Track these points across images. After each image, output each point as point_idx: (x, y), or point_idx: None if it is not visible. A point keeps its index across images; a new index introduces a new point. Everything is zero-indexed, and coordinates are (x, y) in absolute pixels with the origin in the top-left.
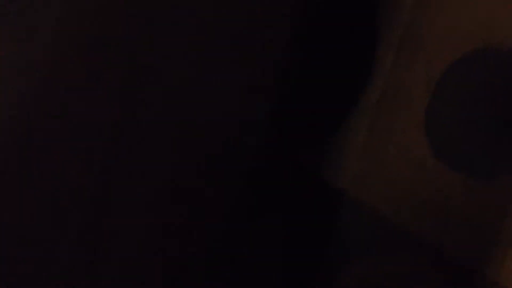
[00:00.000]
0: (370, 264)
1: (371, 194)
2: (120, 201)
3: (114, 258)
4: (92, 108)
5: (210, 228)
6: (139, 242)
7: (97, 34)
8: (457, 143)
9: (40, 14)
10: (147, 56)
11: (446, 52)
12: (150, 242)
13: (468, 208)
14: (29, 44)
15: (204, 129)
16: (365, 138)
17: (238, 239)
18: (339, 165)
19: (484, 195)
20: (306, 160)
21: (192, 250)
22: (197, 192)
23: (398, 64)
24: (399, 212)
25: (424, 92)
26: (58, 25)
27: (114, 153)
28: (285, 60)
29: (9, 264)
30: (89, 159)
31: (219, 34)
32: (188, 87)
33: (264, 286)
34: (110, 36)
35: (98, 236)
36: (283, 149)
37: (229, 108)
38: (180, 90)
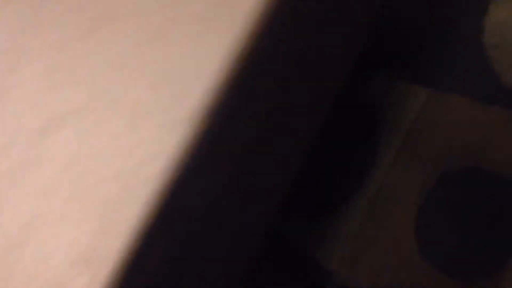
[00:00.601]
0: None
1: (358, 279)
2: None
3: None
4: None
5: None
6: None
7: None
8: (443, 246)
9: None
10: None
11: (441, 165)
12: None
13: None
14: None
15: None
16: (359, 225)
17: None
18: (330, 247)
19: None
20: (298, 237)
21: None
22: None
23: (396, 166)
24: None
25: (417, 194)
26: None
27: None
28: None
29: None
30: None
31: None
32: None
33: None
34: None
35: None
36: (275, 222)
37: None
38: None
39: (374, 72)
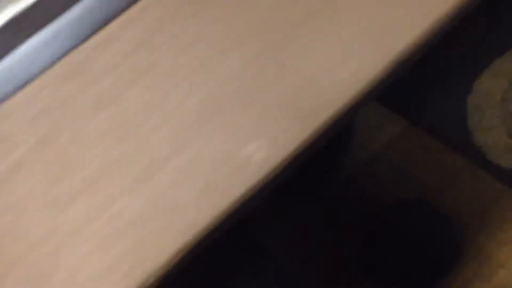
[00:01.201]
0: None
1: (296, 269)
2: None
3: None
4: None
5: None
6: None
7: None
8: (385, 264)
9: None
10: None
11: (397, 192)
12: None
13: None
14: None
15: None
16: (310, 224)
17: None
18: (277, 236)
19: None
20: (248, 220)
21: None
22: None
23: (357, 181)
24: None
25: (370, 211)
26: None
27: None
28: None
29: None
30: None
31: None
32: None
33: None
34: None
35: None
36: None
37: None
38: None
39: None
